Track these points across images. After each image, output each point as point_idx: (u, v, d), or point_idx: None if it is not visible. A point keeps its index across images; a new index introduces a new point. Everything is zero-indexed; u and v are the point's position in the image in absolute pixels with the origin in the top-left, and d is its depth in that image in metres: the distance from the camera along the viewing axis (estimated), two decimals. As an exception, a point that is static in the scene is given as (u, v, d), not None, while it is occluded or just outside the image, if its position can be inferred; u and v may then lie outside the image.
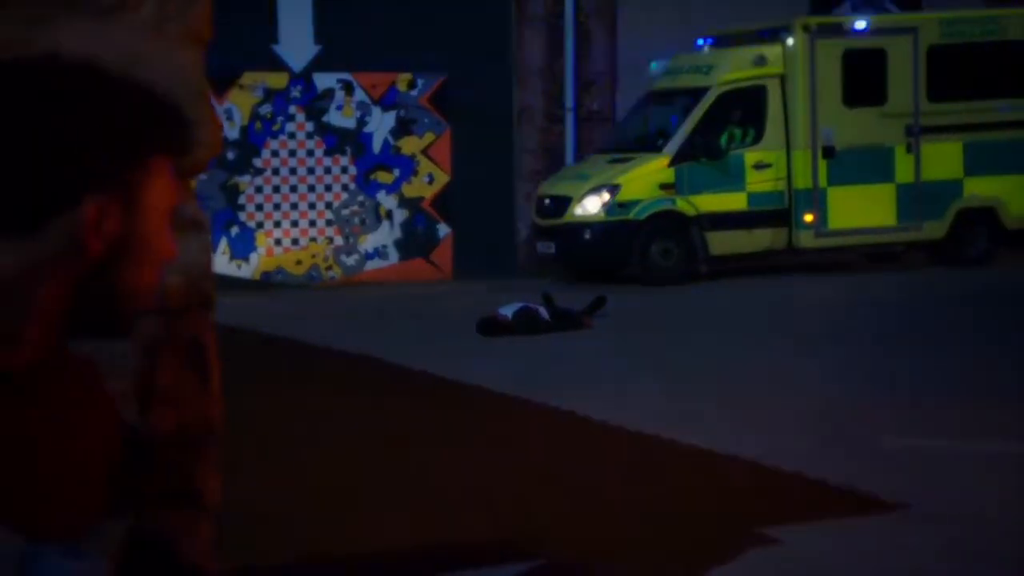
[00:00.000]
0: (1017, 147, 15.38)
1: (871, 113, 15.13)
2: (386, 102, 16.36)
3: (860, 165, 15.05)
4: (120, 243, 1.46)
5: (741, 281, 14.61)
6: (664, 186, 14.67)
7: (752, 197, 14.91)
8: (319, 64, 16.18)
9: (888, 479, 6.14)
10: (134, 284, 1.50)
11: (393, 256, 16.36)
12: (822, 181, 15.02)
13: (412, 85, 16.41)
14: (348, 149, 16.29)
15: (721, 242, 14.73)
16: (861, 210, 15.05)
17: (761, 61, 15.10)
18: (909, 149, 15.22)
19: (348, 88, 16.25)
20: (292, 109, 16.16)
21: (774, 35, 15.17)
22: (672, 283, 14.11)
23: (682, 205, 14.66)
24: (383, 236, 16.34)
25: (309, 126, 16.19)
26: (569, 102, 16.72)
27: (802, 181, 14.99)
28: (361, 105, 16.30)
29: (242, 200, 16.03)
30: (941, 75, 15.24)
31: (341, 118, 16.25)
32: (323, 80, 16.20)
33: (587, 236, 14.57)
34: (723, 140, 14.90)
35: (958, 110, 15.25)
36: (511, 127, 16.70)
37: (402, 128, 16.41)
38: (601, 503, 6.03)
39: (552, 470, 6.71)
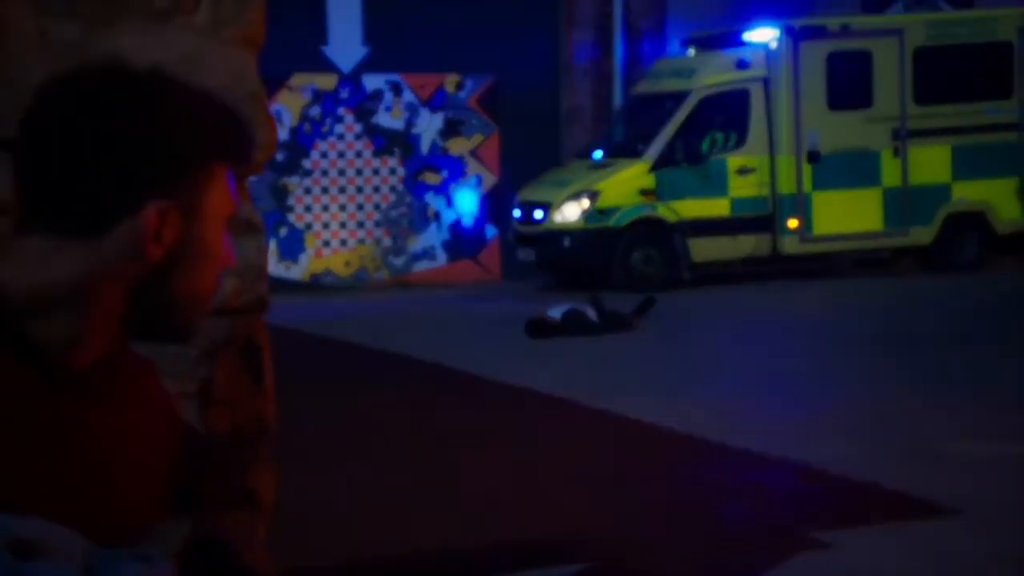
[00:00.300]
0: (1006, 150, 15.05)
1: (856, 116, 14.82)
2: (434, 103, 16.40)
3: (846, 169, 14.73)
4: (179, 249, 1.47)
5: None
6: (644, 192, 14.39)
7: (735, 203, 14.63)
8: (368, 65, 16.25)
9: (941, 483, 6.08)
10: (193, 290, 1.50)
11: (441, 257, 16.40)
12: (807, 186, 14.71)
13: (460, 86, 16.44)
14: (396, 150, 16.34)
15: (703, 249, 14.45)
16: (847, 215, 14.75)
17: (743, 64, 14.80)
18: (896, 153, 14.90)
19: (396, 89, 16.30)
20: (341, 110, 16.23)
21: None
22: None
23: (663, 211, 14.39)
24: (431, 237, 16.37)
25: (358, 127, 16.26)
26: (618, 103, 16.67)
27: (786, 186, 14.69)
28: (409, 106, 16.34)
29: (291, 201, 16.12)
30: (928, 77, 14.92)
31: (390, 119, 16.30)
32: (372, 81, 16.26)
33: (566, 243, 14.33)
34: (705, 145, 14.63)
35: (946, 113, 14.93)
36: (560, 128, 16.69)
37: (450, 129, 16.44)
38: (649, 506, 6.01)
39: (602, 472, 6.70)
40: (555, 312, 11.51)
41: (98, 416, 1.51)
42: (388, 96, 16.30)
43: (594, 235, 14.24)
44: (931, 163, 14.95)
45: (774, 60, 14.70)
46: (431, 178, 16.35)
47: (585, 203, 14.34)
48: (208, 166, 1.49)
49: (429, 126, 16.40)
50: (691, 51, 15.59)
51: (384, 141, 16.30)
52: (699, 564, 5.20)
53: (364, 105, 16.24)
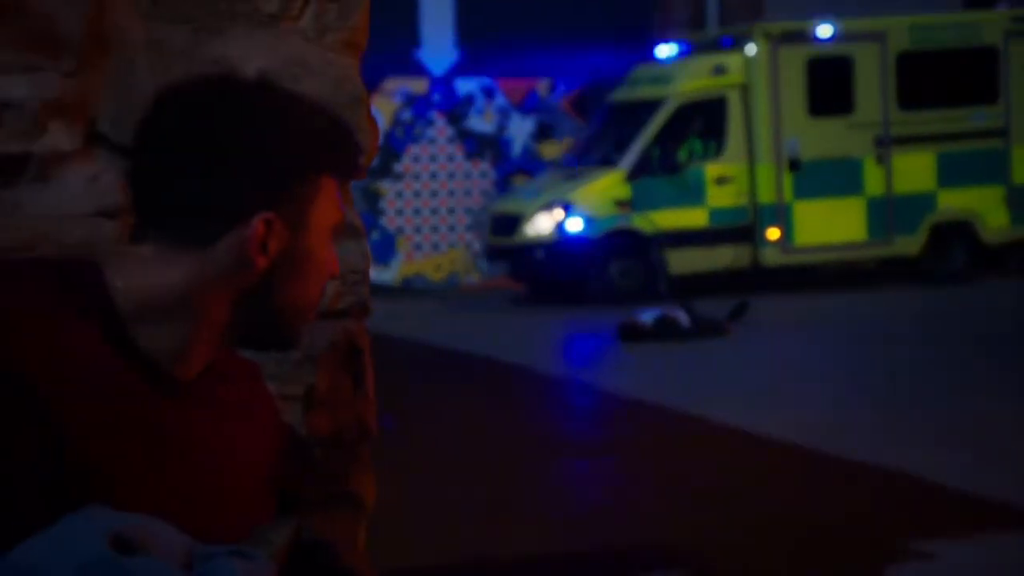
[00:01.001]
0: (993, 157, 14.48)
1: (838, 123, 14.25)
2: (526, 107, 16.42)
3: (827, 178, 14.14)
4: (284, 260, 1.48)
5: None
6: (620, 202, 13.84)
7: (713, 213, 14.09)
8: (460, 69, 16.32)
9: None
10: (297, 299, 1.51)
11: (532, 261, 16.40)
12: (787, 195, 14.14)
13: (552, 89, 16.44)
14: (488, 154, 16.39)
15: (681, 261, 13.88)
16: (829, 225, 14.16)
17: (721, 70, 14.27)
18: (879, 161, 14.31)
19: (488, 93, 16.35)
20: (433, 114, 16.32)
21: (735, 43, 14.39)
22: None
23: (639, 222, 13.83)
24: (522, 241, 16.38)
25: (449, 131, 16.33)
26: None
27: (766, 195, 14.11)
28: (501, 110, 16.38)
29: (383, 205, 16.23)
30: (912, 83, 14.34)
31: (481, 123, 16.35)
32: (464, 85, 16.32)
33: (540, 256, 13.77)
34: (682, 153, 14.10)
35: (930, 119, 14.36)
36: (651, 131, 16.61)
37: (542, 133, 16.44)
38: (745, 513, 5.95)
39: (695, 479, 6.65)
40: (647, 317, 11.47)
41: (201, 418, 1.52)
42: (480, 99, 16.35)
43: (568, 247, 13.74)
44: (916, 171, 14.37)
45: (753, 66, 14.21)
46: (523, 182, 16.37)
47: (558, 214, 13.85)
48: (316, 178, 1.50)
49: (521, 129, 16.42)
50: (669, 57, 15.06)
51: (476, 145, 16.36)
52: (796, 574, 5.13)
53: (456, 109, 16.32)
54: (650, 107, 14.27)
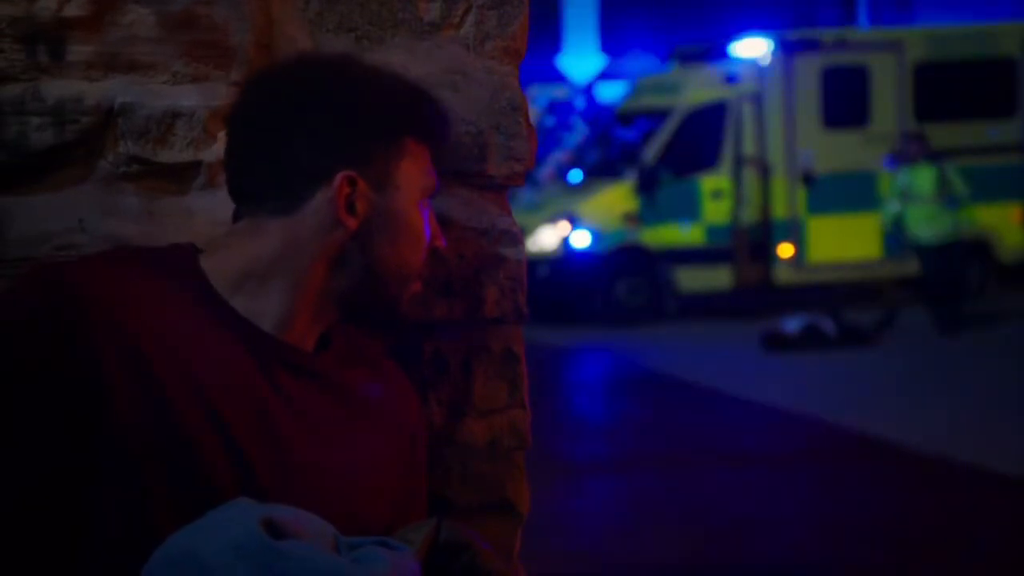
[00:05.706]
0: (1012, 173, 13.84)
1: (853, 135, 13.71)
2: (668, 113, 16.33)
3: (842, 192, 13.56)
4: (375, 220, 1.53)
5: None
6: (628, 216, 13.26)
7: (725, 228, 13.47)
8: (603, 76, 16.32)
9: None
10: (393, 262, 1.55)
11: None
12: (801, 210, 13.58)
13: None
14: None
15: (690, 278, 13.30)
16: (843, 242, 13.57)
17: (732, 79, 13.73)
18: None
19: (631, 99, 16.32)
20: (575, 120, 16.34)
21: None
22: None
23: (648, 237, 13.25)
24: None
25: (591, 138, 16.35)
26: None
27: (779, 210, 13.50)
28: (644, 116, 16.33)
29: (525, 211, 16.30)
30: (929, 95, 13.78)
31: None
32: (606, 91, 16.32)
33: (542, 273, 12.86)
34: (692, 165, 13.48)
35: (947, 132, 13.67)
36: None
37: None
38: (908, 532, 5.83)
39: (848, 496, 6.54)
40: (791, 325, 11.34)
41: (345, 411, 1.54)
42: (622, 106, 16.32)
43: (574, 263, 13.17)
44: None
45: (766, 75, 13.65)
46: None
47: (564, 228, 13.27)
48: (399, 140, 1.54)
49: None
50: (674, 65, 14.57)
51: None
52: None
53: (598, 115, 16.32)
54: (656, 117, 13.76)
